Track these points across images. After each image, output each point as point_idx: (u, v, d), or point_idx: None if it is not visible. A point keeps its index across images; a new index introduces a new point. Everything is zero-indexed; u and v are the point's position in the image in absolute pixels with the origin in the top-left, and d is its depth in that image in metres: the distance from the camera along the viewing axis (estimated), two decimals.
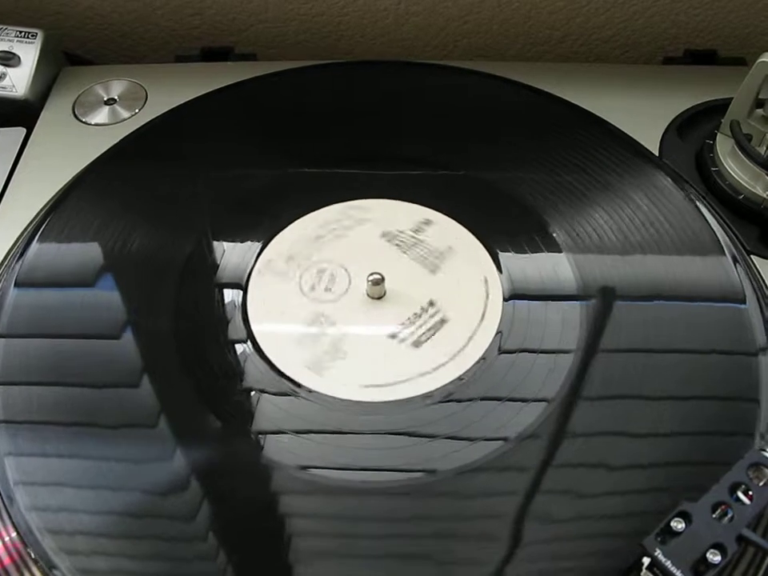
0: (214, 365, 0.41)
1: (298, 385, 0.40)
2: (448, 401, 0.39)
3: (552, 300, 0.43)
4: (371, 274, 0.42)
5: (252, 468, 0.38)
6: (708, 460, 0.37)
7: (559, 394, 0.39)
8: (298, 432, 0.39)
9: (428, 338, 0.42)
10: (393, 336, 0.42)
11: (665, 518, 0.32)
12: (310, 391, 0.40)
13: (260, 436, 0.39)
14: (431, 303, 0.43)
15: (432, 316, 0.42)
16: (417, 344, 0.41)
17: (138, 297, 0.44)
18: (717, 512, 0.32)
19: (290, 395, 0.40)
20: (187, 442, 0.39)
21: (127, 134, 0.52)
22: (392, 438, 0.38)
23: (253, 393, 0.40)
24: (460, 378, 0.40)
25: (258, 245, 0.46)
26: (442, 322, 0.42)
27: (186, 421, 0.39)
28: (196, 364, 0.41)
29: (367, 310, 0.43)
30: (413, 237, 0.46)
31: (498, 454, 0.37)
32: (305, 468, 0.37)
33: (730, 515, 0.32)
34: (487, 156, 0.50)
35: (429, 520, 0.36)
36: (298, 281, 0.44)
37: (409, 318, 0.42)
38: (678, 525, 0.31)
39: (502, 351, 0.41)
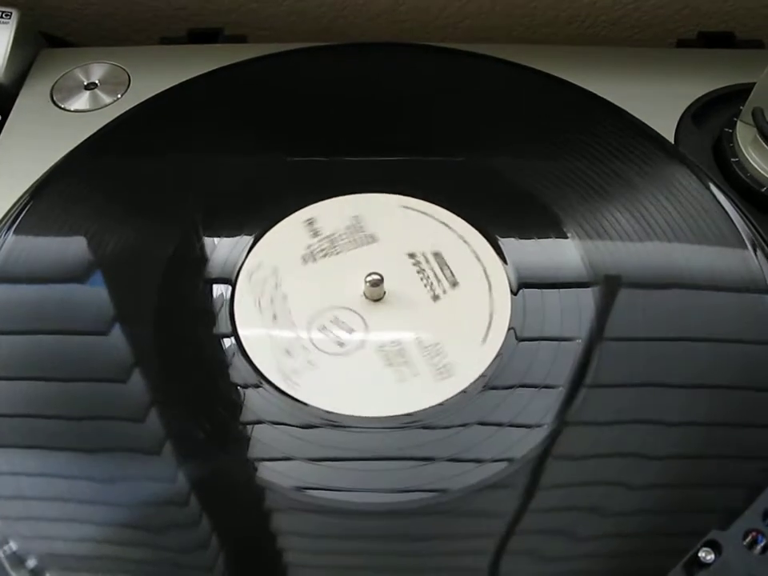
0: (195, 363, 0.39)
1: (277, 388, 0.38)
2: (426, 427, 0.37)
3: (564, 288, 0.41)
4: (369, 275, 0.40)
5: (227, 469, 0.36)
6: (741, 454, 0.35)
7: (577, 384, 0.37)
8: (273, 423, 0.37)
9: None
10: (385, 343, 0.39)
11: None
12: (285, 395, 0.38)
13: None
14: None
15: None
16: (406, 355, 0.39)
17: (120, 292, 0.41)
18: (747, 539, 0.30)
19: (262, 393, 0.38)
20: (166, 440, 0.37)
21: (109, 120, 0.49)
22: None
23: (231, 394, 0.38)
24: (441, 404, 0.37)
25: (250, 238, 0.43)
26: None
27: (165, 419, 0.37)
28: (178, 362, 0.39)
29: (364, 313, 0.40)
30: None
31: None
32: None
33: (762, 543, 0.29)
34: (490, 143, 0.47)
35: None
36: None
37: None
38: (706, 555, 0.29)
39: (488, 387, 0.38)
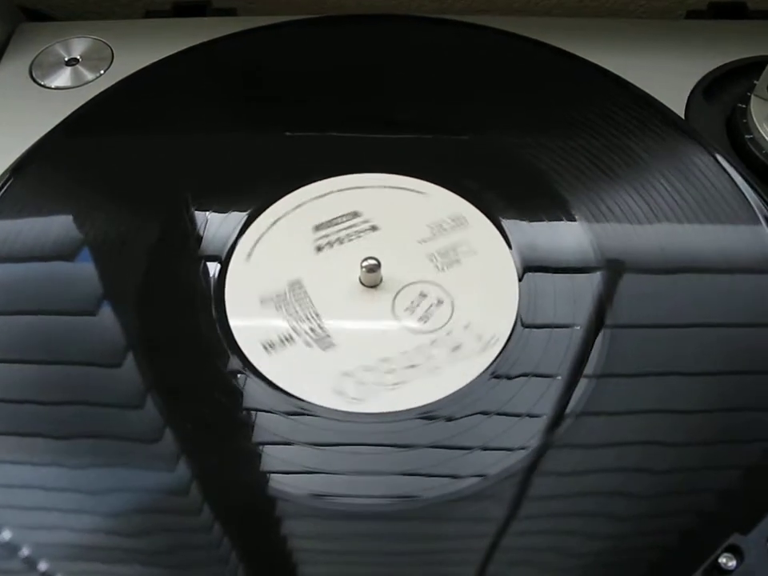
0: (184, 348, 0.37)
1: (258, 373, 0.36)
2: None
3: (570, 273, 0.39)
4: (365, 259, 0.38)
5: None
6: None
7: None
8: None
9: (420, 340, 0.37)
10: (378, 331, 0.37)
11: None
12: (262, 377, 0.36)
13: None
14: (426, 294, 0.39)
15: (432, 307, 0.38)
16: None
17: (104, 274, 0.40)
18: None
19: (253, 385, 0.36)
20: (150, 427, 0.35)
21: (91, 97, 0.47)
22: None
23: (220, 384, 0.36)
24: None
25: (242, 217, 0.42)
26: (443, 313, 0.38)
27: (151, 406, 0.36)
28: (165, 347, 0.38)
29: (356, 300, 0.38)
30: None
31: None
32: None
33: None
34: (490, 120, 0.45)
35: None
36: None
37: (404, 310, 0.38)
38: (728, 562, 0.27)
39: (495, 375, 0.36)
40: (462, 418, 0.34)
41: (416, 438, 0.34)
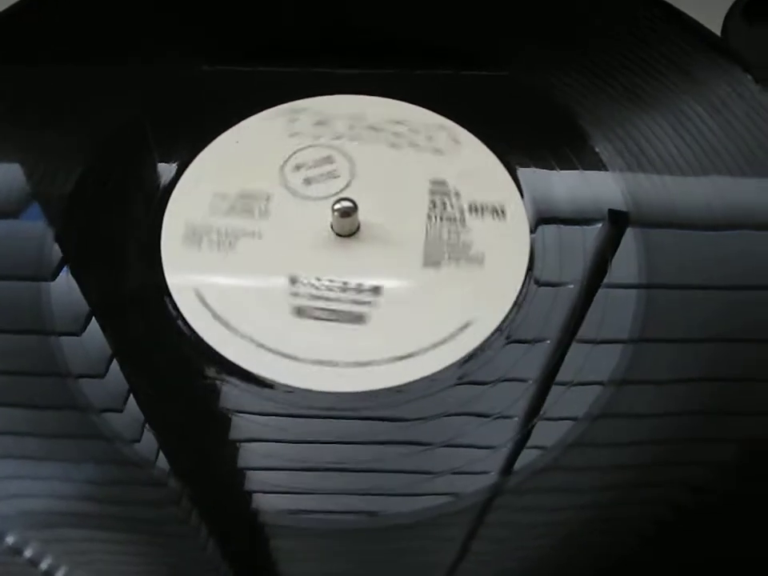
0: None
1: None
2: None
3: (590, 225, 0.34)
4: (338, 201, 0.32)
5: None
6: None
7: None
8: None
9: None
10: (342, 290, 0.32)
11: None
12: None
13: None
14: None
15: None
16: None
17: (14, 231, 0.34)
18: None
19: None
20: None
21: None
22: None
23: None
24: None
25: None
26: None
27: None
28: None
29: (328, 251, 0.33)
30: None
31: None
32: None
33: None
34: (511, 47, 0.40)
35: None
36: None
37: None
38: None
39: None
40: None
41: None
